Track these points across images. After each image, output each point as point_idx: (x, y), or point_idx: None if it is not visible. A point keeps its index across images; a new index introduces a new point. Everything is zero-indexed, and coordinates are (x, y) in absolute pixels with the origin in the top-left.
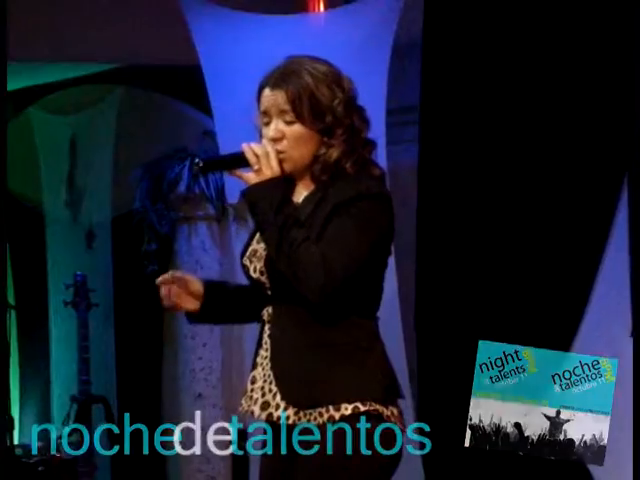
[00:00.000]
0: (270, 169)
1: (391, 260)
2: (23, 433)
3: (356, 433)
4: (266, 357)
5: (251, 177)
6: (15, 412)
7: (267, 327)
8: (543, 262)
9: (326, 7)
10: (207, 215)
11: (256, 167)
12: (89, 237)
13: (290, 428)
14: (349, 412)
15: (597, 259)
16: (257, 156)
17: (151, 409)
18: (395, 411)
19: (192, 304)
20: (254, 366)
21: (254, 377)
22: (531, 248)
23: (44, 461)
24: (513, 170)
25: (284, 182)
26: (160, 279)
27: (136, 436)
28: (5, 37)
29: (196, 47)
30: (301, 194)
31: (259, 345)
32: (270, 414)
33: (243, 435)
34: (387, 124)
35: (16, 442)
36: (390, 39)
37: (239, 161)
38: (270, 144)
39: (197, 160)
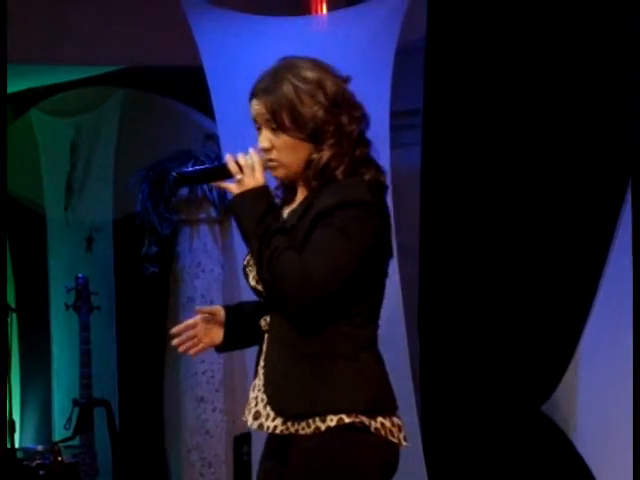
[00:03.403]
0: (253, 179)
1: (394, 263)
2: (24, 436)
3: (342, 445)
4: (263, 366)
5: (233, 188)
6: (16, 415)
7: (266, 336)
8: (546, 264)
9: (329, 9)
10: (209, 218)
11: (238, 177)
12: (90, 240)
13: (279, 438)
14: (334, 424)
15: (601, 263)
16: (240, 166)
17: (153, 412)
18: (387, 423)
19: (219, 337)
20: (255, 374)
21: (253, 386)
22: (534, 251)
23: (45, 465)
24: (516, 172)
25: (268, 191)
26: (182, 327)
27: (138, 440)
28: (5, 38)
29: (199, 49)
30: (299, 200)
31: (259, 354)
32: (261, 424)
33: (247, 440)
34: (390, 127)
35: (17, 445)
36: (394, 41)
37: (222, 172)
38: (260, 153)
39: (174, 172)
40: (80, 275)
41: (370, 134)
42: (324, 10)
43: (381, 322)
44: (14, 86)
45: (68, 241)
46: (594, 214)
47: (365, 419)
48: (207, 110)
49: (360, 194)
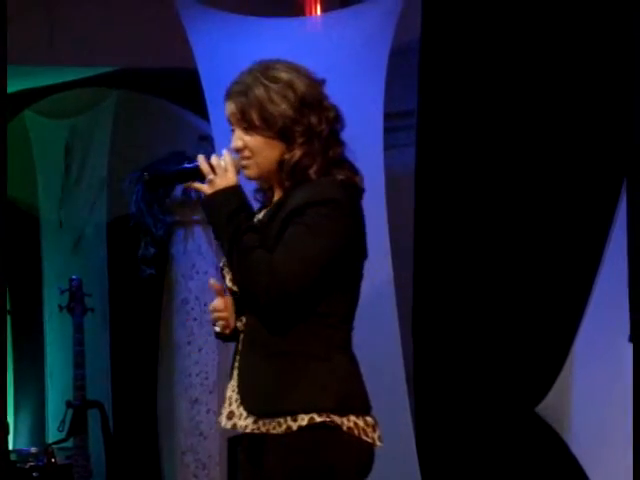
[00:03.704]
0: (225, 179)
1: (388, 264)
2: (18, 438)
3: (313, 444)
4: (237, 367)
5: (205, 188)
6: (10, 417)
7: (241, 337)
8: (541, 266)
9: (323, 10)
10: (203, 219)
11: (210, 177)
12: (84, 241)
13: (253, 438)
14: (305, 423)
15: (595, 265)
16: (212, 167)
17: (147, 414)
18: (360, 422)
19: (232, 322)
20: (231, 375)
21: (229, 386)
22: (529, 251)
23: (39, 467)
24: (511, 173)
25: (239, 191)
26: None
27: (132, 442)
28: (5, 38)
29: (193, 51)
30: (275, 202)
31: (234, 354)
32: (235, 424)
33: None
34: (385, 128)
35: (11, 447)
36: (388, 43)
37: (195, 173)
38: (233, 154)
39: (145, 174)
40: (74, 277)
41: (364, 135)
42: (318, 11)
43: (376, 323)
44: (9, 87)
45: (62, 243)
46: (589, 215)
47: (336, 418)
48: (201, 111)
49: (331, 192)
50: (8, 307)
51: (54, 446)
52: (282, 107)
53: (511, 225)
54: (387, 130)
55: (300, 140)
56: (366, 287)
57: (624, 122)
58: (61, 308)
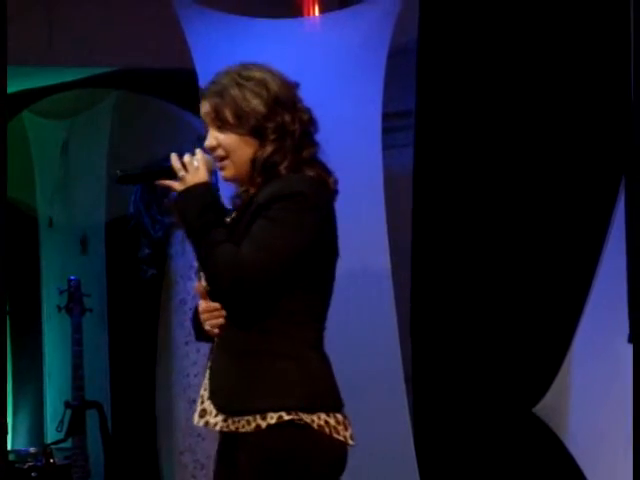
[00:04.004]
0: (195, 176)
1: (387, 265)
2: (17, 439)
3: (282, 442)
4: (210, 366)
5: (176, 185)
6: (9, 417)
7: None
8: (539, 267)
9: (321, 11)
10: None
11: (181, 174)
12: (83, 242)
13: (226, 436)
14: (274, 421)
15: (594, 264)
16: (184, 165)
17: (145, 414)
18: (331, 420)
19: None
20: (204, 374)
21: (202, 385)
22: (527, 252)
23: (38, 467)
24: (509, 173)
25: (210, 187)
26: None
27: (130, 442)
28: (5, 38)
29: (191, 51)
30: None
31: (210, 354)
32: (207, 421)
33: None
34: (383, 128)
35: (9, 448)
36: (386, 43)
37: (167, 172)
38: (207, 153)
39: (117, 171)
40: (72, 277)
41: (362, 135)
42: (316, 12)
43: (374, 323)
44: (8, 87)
45: (61, 243)
46: (587, 214)
47: (306, 416)
48: (199, 112)
49: (298, 186)
50: (7, 308)
51: (53, 446)
52: (255, 104)
53: (509, 225)
54: (385, 130)
55: (272, 137)
56: (365, 287)
57: (622, 120)
58: (60, 308)
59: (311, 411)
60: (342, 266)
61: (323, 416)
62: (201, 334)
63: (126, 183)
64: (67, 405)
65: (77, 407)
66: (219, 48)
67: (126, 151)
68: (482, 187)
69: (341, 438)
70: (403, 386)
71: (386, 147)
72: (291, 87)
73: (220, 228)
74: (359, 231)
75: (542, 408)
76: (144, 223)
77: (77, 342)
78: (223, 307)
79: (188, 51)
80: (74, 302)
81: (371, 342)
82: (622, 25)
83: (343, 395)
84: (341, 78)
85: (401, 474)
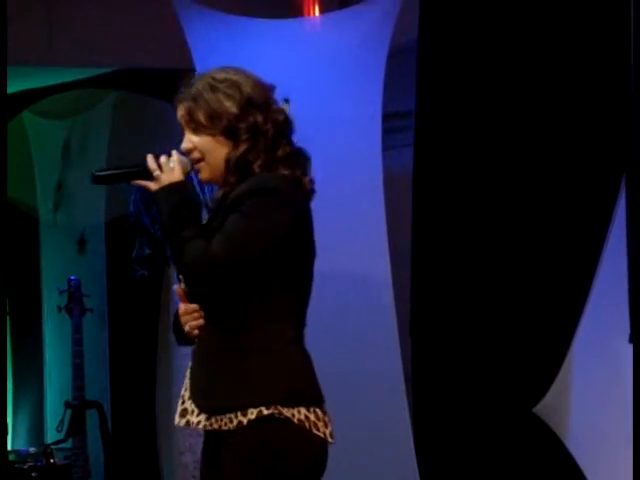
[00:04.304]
0: (170, 176)
1: (387, 265)
2: (17, 439)
3: (262, 437)
4: (190, 365)
5: (152, 185)
6: (9, 418)
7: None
8: (539, 267)
9: (321, 11)
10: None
11: (155, 174)
12: (83, 242)
13: (209, 435)
14: (254, 417)
15: (594, 264)
16: (160, 165)
17: (145, 414)
18: (311, 416)
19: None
20: (185, 374)
21: (183, 385)
22: (527, 252)
23: (38, 467)
24: (509, 174)
25: (184, 186)
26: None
27: (130, 442)
28: (5, 39)
29: (191, 52)
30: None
31: (191, 354)
32: (188, 421)
33: None
34: (383, 129)
35: (9, 448)
36: (386, 43)
37: (142, 172)
38: (184, 156)
39: (94, 171)
40: (72, 277)
41: (362, 136)
42: (316, 12)
43: (374, 323)
44: (8, 87)
45: (61, 243)
46: (587, 214)
47: (285, 410)
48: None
49: (271, 183)
50: (7, 308)
51: (53, 446)
52: (227, 105)
53: (509, 225)
54: (386, 131)
55: (244, 137)
56: (365, 287)
57: (623, 119)
58: (60, 309)
59: (291, 405)
60: (342, 266)
61: (303, 411)
62: (182, 337)
63: (102, 183)
64: (67, 405)
65: (77, 407)
66: (219, 48)
67: (126, 151)
68: (482, 187)
69: (321, 434)
70: (403, 386)
71: (386, 148)
72: (265, 89)
73: (193, 225)
74: (359, 232)
75: (542, 408)
76: (144, 223)
77: (77, 342)
78: (200, 305)
79: (188, 51)
80: (74, 302)
81: (371, 342)
82: (622, 25)
83: (344, 395)
84: (341, 78)
85: (401, 474)
